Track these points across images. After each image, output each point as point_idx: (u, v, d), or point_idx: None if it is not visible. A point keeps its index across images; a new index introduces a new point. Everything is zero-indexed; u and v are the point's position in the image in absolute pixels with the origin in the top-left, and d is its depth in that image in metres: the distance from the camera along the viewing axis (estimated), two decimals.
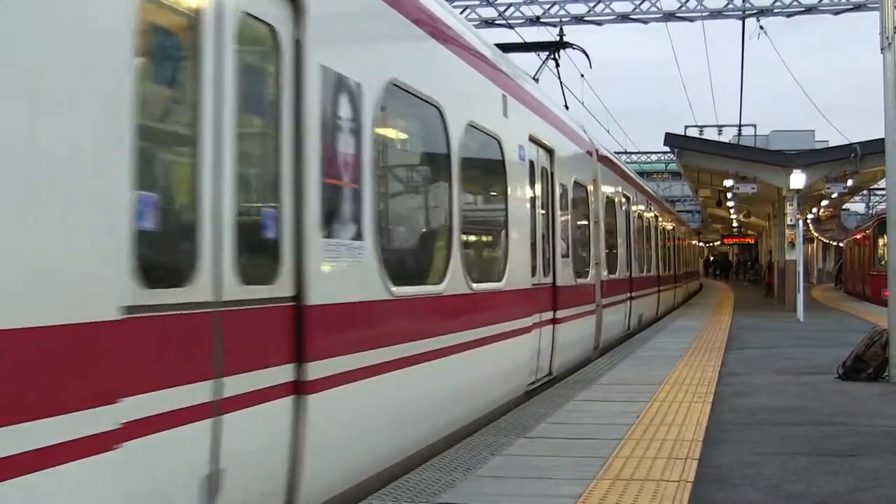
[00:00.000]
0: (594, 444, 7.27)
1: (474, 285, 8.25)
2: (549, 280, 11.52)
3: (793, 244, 26.43)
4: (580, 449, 7.08)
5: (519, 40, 17.64)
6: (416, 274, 7.68)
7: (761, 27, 27.79)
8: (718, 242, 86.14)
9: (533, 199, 10.88)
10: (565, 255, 12.48)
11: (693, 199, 58.20)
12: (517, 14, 27.92)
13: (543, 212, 11.50)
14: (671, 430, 7.80)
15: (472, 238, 9.14)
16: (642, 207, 23.22)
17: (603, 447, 7.08)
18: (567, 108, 16.48)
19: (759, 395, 10.15)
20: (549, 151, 11.83)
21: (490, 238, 10.02)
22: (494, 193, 9.87)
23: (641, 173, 45.75)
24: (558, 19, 27.92)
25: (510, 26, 26.65)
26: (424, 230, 8.37)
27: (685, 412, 8.78)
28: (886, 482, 6.11)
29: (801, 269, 24.12)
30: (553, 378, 11.38)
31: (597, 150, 16.02)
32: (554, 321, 11.57)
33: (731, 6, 27.72)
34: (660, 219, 27.72)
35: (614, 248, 17.81)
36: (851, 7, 26.94)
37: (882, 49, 11.36)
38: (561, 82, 19.51)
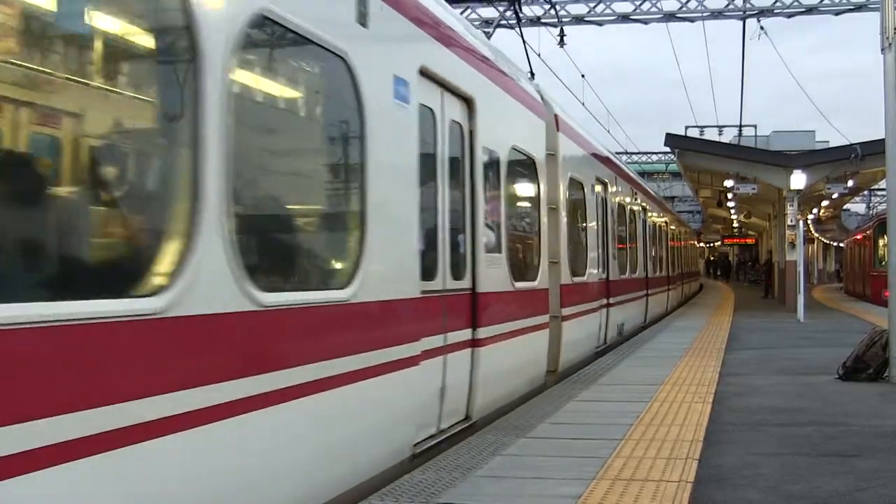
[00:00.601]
0: (594, 444, 7.26)
1: (266, 296, 4.83)
2: (463, 284, 8.23)
3: (793, 245, 26.45)
4: (580, 449, 7.08)
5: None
6: (78, 279, 3.94)
7: (762, 27, 27.82)
8: (719, 243, 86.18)
9: (429, 165, 7.57)
10: (494, 250, 9.15)
11: (693, 200, 58.25)
12: None
13: (453, 186, 8.16)
14: (671, 431, 7.80)
15: (269, 217, 5.54)
16: (627, 198, 19.98)
17: (603, 447, 7.07)
18: (533, 75, 13.43)
19: (760, 395, 10.15)
20: (467, 101, 8.46)
21: (320, 218, 6.29)
22: (331, 145, 6.43)
23: (642, 173, 45.73)
24: (558, 19, 27.93)
25: (511, 26, 26.60)
26: (111, 195, 4.34)
27: (685, 412, 8.77)
28: (887, 482, 6.11)
29: (801, 269, 24.12)
30: (472, 424, 8.26)
31: (557, 118, 12.41)
32: (474, 343, 8.33)
33: (731, 6, 27.72)
34: (651, 213, 24.80)
35: (584, 245, 14.53)
36: (852, 7, 26.95)
37: (882, 49, 11.36)
38: (524, 42, 16.15)
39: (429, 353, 7.19)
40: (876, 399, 9.87)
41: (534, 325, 10.48)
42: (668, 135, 29.74)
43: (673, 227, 32.79)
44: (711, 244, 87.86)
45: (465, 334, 8.20)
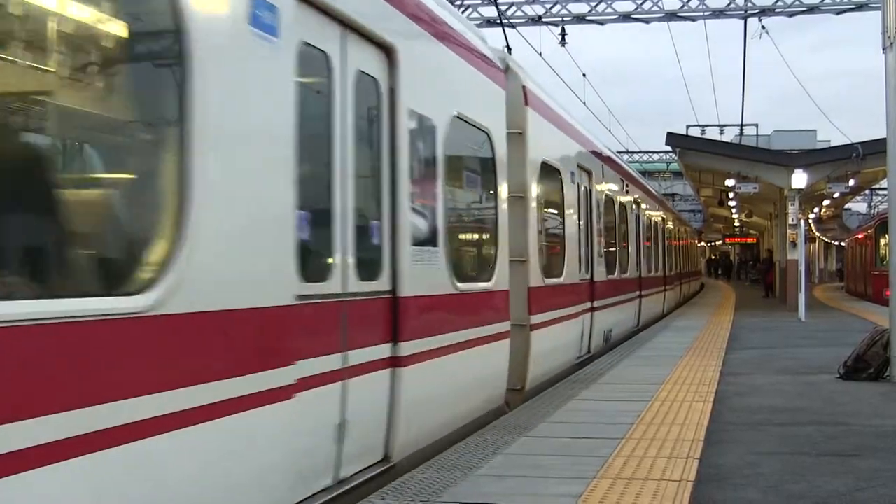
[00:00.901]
0: (595, 443, 7.27)
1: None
2: (378, 286, 6.36)
3: (794, 244, 26.46)
4: (581, 448, 7.08)
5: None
6: None
7: (763, 27, 27.83)
8: (720, 242, 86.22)
9: (319, 126, 5.75)
10: (426, 243, 7.24)
11: (695, 198, 58.29)
12: (519, 13, 27.92)
13: (362, 157, 6.27)
14: (672, 430, 7.80)
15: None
16: (618, 192, 18.09)
17: (604, 446, 7.08)
18: (510, 50, 11.50)
19: (760, 394, 10.15)
20: (386, 51, 6.54)
21: (93, 191, 4.30)
22: (124, 84, 4.39)
23: (644, 172, 45.69)
24: (560, 18, 27.95)
25: (512, 25, 26.62)
26: None
27: (686, 412, 8.77)
28: (887, 482, 6.11)
29: (802, 268, 24.11)
30: (392, 467, 6.49)
31: (525, 90, 10.48)
32: (394, 362, 6.50)
33: (733, 6, 27.70)
34: (646, 209, 23.18)
35: (562, 241, 12.65)
36: (853, 7, 26.94)
37: (884, 49, 11.35)
38: (499, 12, 14.24)
39: (312, 381, 5.30)
40: (877, 399, 9.87)
41: (487, 336, 8.54)
42: (669, 134, 29.79)
43: (671, 226, 31.79)
44: (713, 243, 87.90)
45: (381, 351, 6.34)
